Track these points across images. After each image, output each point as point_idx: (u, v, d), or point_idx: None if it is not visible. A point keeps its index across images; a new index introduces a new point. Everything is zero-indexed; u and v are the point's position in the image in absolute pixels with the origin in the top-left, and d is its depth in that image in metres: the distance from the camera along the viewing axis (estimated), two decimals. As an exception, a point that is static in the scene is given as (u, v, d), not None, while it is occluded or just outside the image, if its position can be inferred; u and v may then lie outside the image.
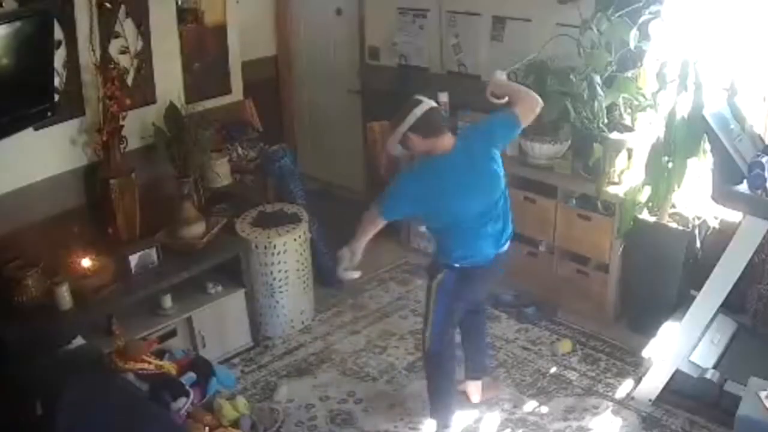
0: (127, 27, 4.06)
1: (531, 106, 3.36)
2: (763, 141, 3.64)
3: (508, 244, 3.54)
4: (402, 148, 3.34)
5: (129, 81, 4.13)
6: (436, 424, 3.71)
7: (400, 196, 3.31)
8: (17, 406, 3.15)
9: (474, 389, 3.92)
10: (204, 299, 4.20)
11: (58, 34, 3.68)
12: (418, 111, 3.23)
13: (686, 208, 4.19)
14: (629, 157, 4.32)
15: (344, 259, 3.37)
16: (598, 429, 3.72)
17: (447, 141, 3.28)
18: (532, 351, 4.36)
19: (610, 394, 3.96)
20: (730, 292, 3.51)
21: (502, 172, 3.37)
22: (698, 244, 4.17)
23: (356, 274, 3.45)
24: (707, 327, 3.79)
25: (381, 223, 3.34)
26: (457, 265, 3.39)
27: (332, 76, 6.19)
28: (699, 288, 3.61)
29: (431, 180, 3.24)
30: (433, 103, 3.32)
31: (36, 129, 3.68)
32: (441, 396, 3.67)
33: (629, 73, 4.24)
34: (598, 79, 4.22)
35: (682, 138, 3.86)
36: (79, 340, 3.47)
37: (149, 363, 3.54)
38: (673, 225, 4.19)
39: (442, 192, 3.23)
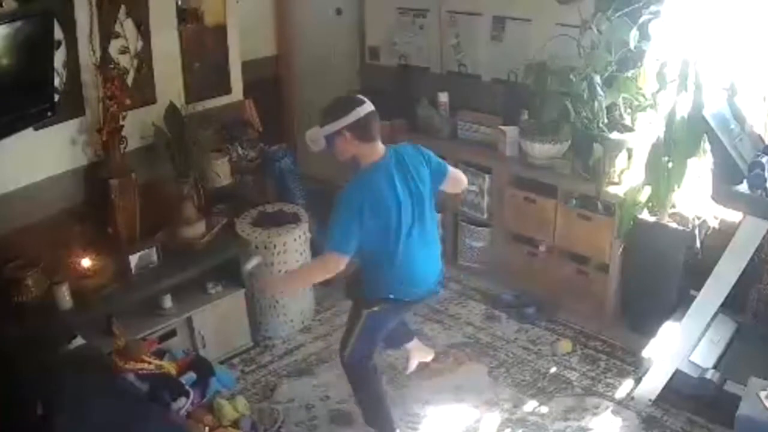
0: (127, 27, 4.05)
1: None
2: (763, 141, 3.64)
3: (441, 282, 3.50)
4: (325, 144, 3.14)
5: (129, 81, 4.12)
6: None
7: (345, 219, 3.07)
8: (17, 406, 3.15)
9: (414, 345, 3.94)
10: (204, 299, 4.20)
11: (58, 34, 3.67)
12: (362, 111, 3.06)
13: (686, 208, 4.19)
14: (629, 157, 4.32)
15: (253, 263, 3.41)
16: (598, 429, 3.73)
17: (379, 149, 3.15)
18: (532, 351, 4.36)
19: (610, 394, 3.96)
20: (730, 292, 3.51)
21: (428, 195, 3.24)
22: (698, 244, 4.17)
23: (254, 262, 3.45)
24: (707, 327, 3.79)
25: (339, 265, 3.09)
26: (391, 296, 3.27)
27: (332, 75, 6.19)
28: (699, 288, 3.61)
29: (371, 188, 3.07)
30: (372, 107, 3.12)
31: (36, 129, 3.67)
32: (370, 405, 3.60)
33: (629, 73, 4.24)
34: (598, 79, 4.22)
35: (682, 138, 3.86)
36: (79, 340, 3.47)
37: (149, 363, 3.55)
38: (673, 225, 4.19)
39: (382, 200, 3.07)
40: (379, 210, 3.08)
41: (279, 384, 4.10)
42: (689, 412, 3.73)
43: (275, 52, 6.12)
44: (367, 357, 3.49)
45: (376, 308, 3.31)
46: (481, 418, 3.83)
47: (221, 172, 4.57)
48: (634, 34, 4.07)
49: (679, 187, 4.05)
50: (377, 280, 3.27)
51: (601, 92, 4.22)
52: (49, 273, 3.63)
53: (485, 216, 5.03)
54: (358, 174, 3.16)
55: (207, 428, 3.45)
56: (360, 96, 3.19)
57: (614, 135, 4.28)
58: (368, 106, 3.11)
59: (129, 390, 3.31)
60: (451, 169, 3.39)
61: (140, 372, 3.46)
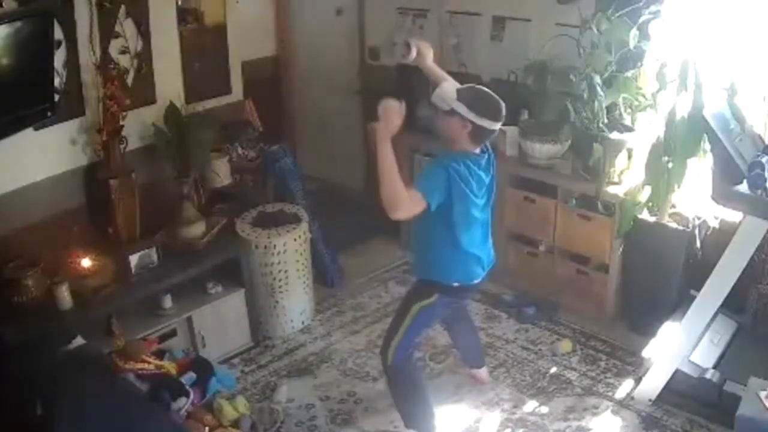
0: (127, 27, 4.06)
1: None
2: (763, 141, 3.64)
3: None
4: (448, 109, 3.16)
5: (129, 81, 4.13)
6: None
7: (434, 173, 3.17)
8: (17, 405, 3.15)
9: (481, 374, 4.01)
10: (204, 299, 4.20)
11: (58, 34, 3.67)
12: (492, 125, 3.17)
13: (686, 208, 4.20)
14: (629, 157, 4.32)
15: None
16: (598, 429, 3.72)
17: (476, 150, 3.28)
18: (532, 351, 4.35)
19: (610, 394, 3.96)
20: (730, 292, 3.51)
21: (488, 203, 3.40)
22: (698, 244, 4.18)
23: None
24: (707, 327, 3.79)
25: (418, 205, 3.07)
26: (455, 284, 3.36)
27: (332, 76, 6.19)
28: (699, 288, 3.61)
29: (459, 163, 3.17)
30: (499, 126, 3.22)
31: (36, 129, 3.68)
32: (415, 404, 3.60)
33: (629, 73, 4.24)
34: (598, 79, 4.22)
35: (682, 138, 3.86)
36: (79, 340, 3.47)
37: (149, 363, 3.55)
38: (673, 225, 4.19)
39: (468, 182, 3.18)
40: (459, 185, 3.16)
41: (279, 384, 4.09)
42: (689, 412, 3.73)
43: (275, 52, 6.13)
44: (411, 354, 3.56)
45: (431, 299, 3.39)
46: (481, 418, 3.83)
47: (221, 172, 4.57)
48: (634, 34, 4.06)
49: (679, 187, 4.05)
50: (446, 261, 3.35)
51: (601, 92, 4.22)
52: (49, 273, 3.63)
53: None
54: (449, 152, 3.27)
55: (207, 428, 3.45)
56: (503, 110, 3.20)
57: (614, 135, 4.28)
58: (499, 125, 3.20)
59: (129, 390, 3.31)
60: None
61: (140, 372, 3.46)
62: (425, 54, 3.58)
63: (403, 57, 3.51)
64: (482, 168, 3.26)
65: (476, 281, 3.44)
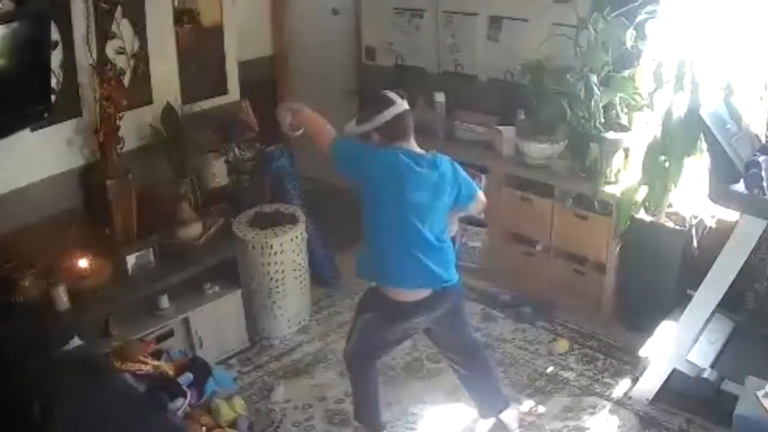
0: (123, 28, 4.06)
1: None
2: (759, 140, 3.65)
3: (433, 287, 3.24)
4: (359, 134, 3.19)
5: (126, 82, 4.13)
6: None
7: (353, 146, 3.16)
8: (14, 406, 3.14)
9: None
10: (201, 300, 4.20)
11: (55, 34, 3.67)
12: (388, 114, 3.08)
13: (683, 208, 4.20)
14: (626, 156, 4.33)
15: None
16: (595, 429, 3.73)
17: (411, 145, 3.15)
18: (529, 351, 4.36)
19: (607, 393, 3.96)
20: (728, 292, 3.51)
21: (436, 207, 3.15)
22: (695, 244, 4.18)
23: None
24: (704, 326, 3.80)
25: (328, 142, 3.23)
26: (373, 281, 3.33)
27: (329, 76, 6.18)
28: (696, 287, 3.62)
29: (386, 162, 3.08)
30: (405, 105, 3.14)
31: (33, 130, 3.68)
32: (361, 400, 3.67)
33: (626, 73, 4.25)
34: (594, 78, 4.22)
35: (679, 137, 3.87)
36: (76, 341, 3.47)
37: (146, 364, 3.54)
38: (670, 224, 4.19)
39: (386, 177, 3.08)
40: (374, 176, 3.12)
41: (276, 384, 4.09)
42: (687, 411, 3.74)
43: (272, 52, 6.11)
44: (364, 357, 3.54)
45: (368, 315, 3.41)
46: (477, 418, 3.83)
47: (218, 173, 4.57)
48: (630, 34, 4.07)
49: (675, 186, 4.06)
50: (365, 256, 3.37)
51: (597, 92, 4.22)
52: (46, 274, 3.62)
53: (482, 216, 5.02)
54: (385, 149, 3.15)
55: (204, 429, 3.44)
56: (392, 95, 3.16)
57: (611, 134, 4.28)
58: (397, 108, 3.10)
59: (126, 391, 3.30)
60: (476, 200, 3.32)
61: (137, 373, 3.45)
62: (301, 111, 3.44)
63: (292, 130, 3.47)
64: (410, 165, 3.07)
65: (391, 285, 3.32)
